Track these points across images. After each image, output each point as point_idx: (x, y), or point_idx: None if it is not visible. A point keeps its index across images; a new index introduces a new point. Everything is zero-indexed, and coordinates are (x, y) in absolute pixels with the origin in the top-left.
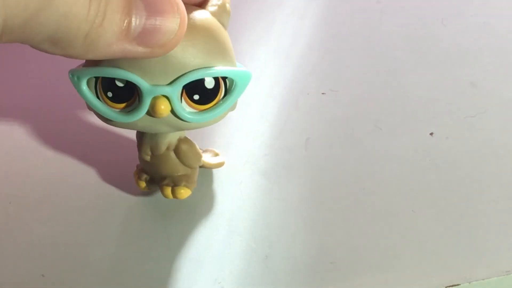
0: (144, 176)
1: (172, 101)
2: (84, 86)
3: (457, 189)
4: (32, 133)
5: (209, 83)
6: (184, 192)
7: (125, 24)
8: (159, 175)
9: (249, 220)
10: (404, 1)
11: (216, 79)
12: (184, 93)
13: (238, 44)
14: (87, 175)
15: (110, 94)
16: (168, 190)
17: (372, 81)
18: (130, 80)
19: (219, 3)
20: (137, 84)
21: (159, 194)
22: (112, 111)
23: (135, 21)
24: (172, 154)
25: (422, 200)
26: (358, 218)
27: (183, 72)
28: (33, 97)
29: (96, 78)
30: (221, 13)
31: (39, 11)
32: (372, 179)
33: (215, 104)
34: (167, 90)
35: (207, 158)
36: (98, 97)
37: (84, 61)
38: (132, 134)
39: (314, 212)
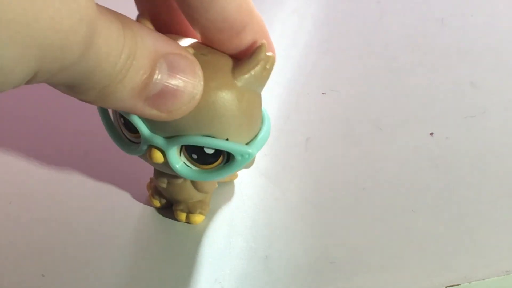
0: (157, 195)
1: (166, 155)
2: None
3: (457, 189)
4: (32, 133)
5: (208, 149)
6: (199, 219)
7: (144, 83)
8: (174, 200)
9: (249, 220)
10: (404, 1)
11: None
12: (183, 149)
13: None
14: (87, 175)
15: (122, 120)
16: (183, 216)
17: (372, 81)
18: (133, 122)
19: (252, 66)
20: (138, 128)
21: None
22: (121, 140)
23: (154, 82)
24: (189, 183)
25: (422, 200)
26: (358, 218)
27: (182, 133)
28: (33, 97)
29: None
30: (254, 79)
31: (72, 65)
32: (372, 179)
33: (214, 167)
34: (162, 143)
35: None
36: (116, 119)
37: None
38: None
39: (314, 212)
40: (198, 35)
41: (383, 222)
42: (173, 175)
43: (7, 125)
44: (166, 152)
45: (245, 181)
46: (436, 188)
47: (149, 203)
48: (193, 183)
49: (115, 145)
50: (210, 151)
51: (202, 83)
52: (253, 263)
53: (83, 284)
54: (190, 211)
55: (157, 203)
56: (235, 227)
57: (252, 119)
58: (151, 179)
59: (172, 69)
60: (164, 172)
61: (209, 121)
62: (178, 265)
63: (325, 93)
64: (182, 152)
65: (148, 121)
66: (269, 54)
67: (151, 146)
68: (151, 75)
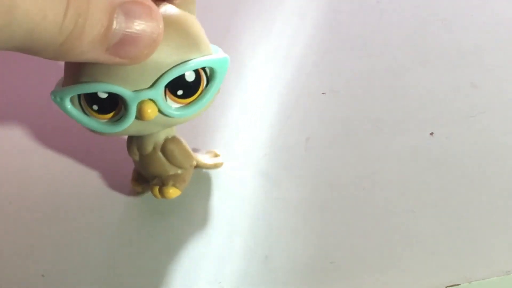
0: (139, 180)
1: (157, 103)
2: (68, 105)
3: (457, 189)
4: (32, 133)
5: (190, 77)
6: (173, 192)
7: (102, 35)
8: (149, 175)
9: (249, 220)
10: (404, 1)
11: (196, 71)
12: (167, 91)
13: (238, 44)
14: (87, 175)
15: (95, 107)
16: (156, 190)
17: (372, 81)
18: (111, 91)
19: None
20: (120, 93)
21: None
22: (100, 123)
23: (113, 32)
24: (160, 154)
25: (422, 200)
26: (358, 218)
27: (162, 72)
28: (33, 97)
29: (79, 94)
30: (186, 2)
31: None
32: (372, 179)
33: (199, 95)
34: (150, 94)
35: (204, 159)
36: (84, 112)
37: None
38: None
39: (314, 212)
40: None
41: (383, 222)
42: (140, 144)
43: (7, 125)
44: (156, 101)
45: (245, 181)
46: (436, 188)
47: (149, 204)
48: (164, 153)
49: (116, 144)
50: (191, 78)
51: (161, 25)
52: (253, 263)
53: (83, 284)
54: (163, 184)
55: (137, 186)
56: (235, 227)
57: (205, 37)
58: (134, 169)
59: (129, 17)
60: (136, 142)
61: (180, 49)
62: (178, 264)
63: (325, 93)
64: (167, 96)
65: (124, 82)
66: None
67: (140, 104)
68: (109, 26)
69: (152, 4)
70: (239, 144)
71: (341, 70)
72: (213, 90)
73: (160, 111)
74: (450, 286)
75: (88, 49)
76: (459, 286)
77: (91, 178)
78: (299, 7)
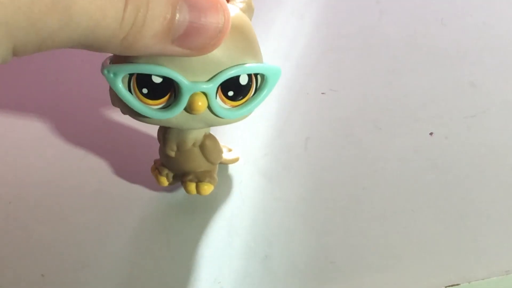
0: (165, 171)
1: (209, 98)
2: (120, 84)
3: (457, 189)
4: (32, 133)
5: (243, 80)
6: (208, 188)
7: (166, 27)
8: (181, 171)
9: (249, 220)
10: (404, 1)
11: (249, 75)
12: (219, 89)
13: None
14: (87, 175)
15: (145, 90)
16: (192, 186)
17: (372, 81)
18: (170, 77)
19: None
20: (178, 81)
21: (159, 195)
22: (147, 108)
23: (177, 23)
24: (197, 150)
25: (422, 200)
26: (358, 218)
27: (221, 69)
28: (33, 96)
29: (131, 74)
30: (248, 10)
31: (56, 32)
32: (372, 179)
33: (247, 100)
34: (206, 87)
35: (224, 154)
36: (131, 93)
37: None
38: (131, 131)
39: (314, 212)
40: None
41: (383, 222)
42: (181, 140)
43: (7, 125)
44: (209, 96)
45: (245, 181)
46: (436, 188)
47: (149, 204)
48: (202, 150)
49: (115, 145)
50: (244, 81)
51: (227, 16)
52: (252, 263)
53: (83, 284)
54: (199, 180)
55: (164, 180)
56: (235, 227)
57: (258, 43)
58: (155, 161)
59: (193, 8)
60: (175, 138)
61: (240, 51)
62: (177, 264)
63: (324, 93)
64: (217, 95)
65: (184, 70)
66: None
67: (193, 96)
68: (172, 18)
69: None
70: (239, 144)
71: (341, 70)
72: (262, 97)
73: (209, 107)
74: (450, 286)
75: (152, 42)
76: (459, 286)
77: (91, 178)
78: (299, 7)
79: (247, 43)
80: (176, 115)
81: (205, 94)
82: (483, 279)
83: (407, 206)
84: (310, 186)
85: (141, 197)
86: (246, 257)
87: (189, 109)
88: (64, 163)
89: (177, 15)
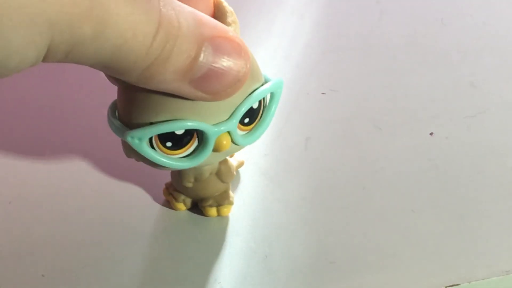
0: (182, 197)
1: (232, 134)
2: (146, 148)
3: (457, 189)
4: (33, 133)
5: (255, 104)
6: (228, 210)
7: (188, 66)
8: (200, 198)
9: (249, 220)
10: (404, 1)
11: None
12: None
13: None
14: (87, 175)
15: (169, 144)
16: (213, 211)
17: (372, 81)
18: (194, 128)
19: (234, 19)
20: (202, 129)
21: (159, 195)
22: (174, 160)
23: (199, 64)
24: (214, 177)
25: (422, 200)
26: (358, 218)
27: (237, 105)
28: (33, 96)
29: None
30: (237, 27)
31: (87, 42)
32: (372, 179)
33: (260, 119)
34: (228, 126)
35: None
36: (154, 150)
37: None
38: None
39: (314, 212)
40: None
41: (383, 222)
42: (199, 172)
43: (7, 125)
44: (231, 132)
45: (245, 181)
46: (436, 188)
47: (148, 204)
48: (218, 174)
49: (115, 145)
50: (256, 105)
51: (248, 65)
52: (253, 263)
53: (83, 284)
54: (219, 204)
55: (182, 206)
56: (235, 227)
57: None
58: (166, 185)
59: (218, 52)
60: (193, 172)
61: (251, 76)
62: (178, 265)
63: (325, 93)
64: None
65: (204, 115)
66: (229, 7)
67: (218, 138)
68: (196, 58)
69: (242, 42)
70: None
71: (341, 70)
72: (272, 111)
73: (233, 141)
74: (450, 286)
75: (171, 78)
76: (459, 286)
77: (91, 178)
78: (299, 7)
79: (252, 70)
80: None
81: (228, 132)
82: (483, 279)
83: (407, 206)
84: (310, 186)
85: (141, 197)
86: (246, 257)
87: (216, 150)
88: (64, 163)
89: (202, 55)
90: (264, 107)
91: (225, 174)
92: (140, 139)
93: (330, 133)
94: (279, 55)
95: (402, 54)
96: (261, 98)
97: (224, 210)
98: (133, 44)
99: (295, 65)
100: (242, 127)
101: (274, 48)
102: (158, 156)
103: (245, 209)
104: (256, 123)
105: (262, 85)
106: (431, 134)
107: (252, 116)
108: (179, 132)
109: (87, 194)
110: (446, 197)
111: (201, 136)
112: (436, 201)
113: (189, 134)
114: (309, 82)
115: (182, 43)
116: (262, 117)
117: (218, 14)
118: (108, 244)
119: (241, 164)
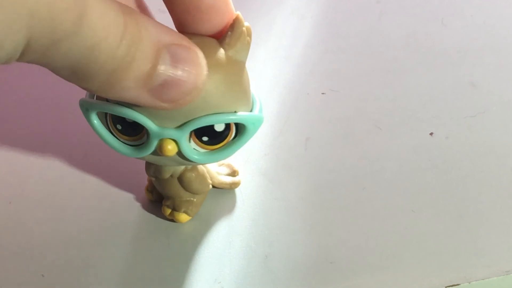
0: (152, 189)
1: (179, 143)
2: (94, 119)
3: (457, 189)
4: (33, 133)
5: (219, 127)
6: (184, 218)
7: (148, 73)
8: (164, 195)
9: (249, 220)
10: (404, 1)
11: (227, 123)
12: (193, 134)
13: None
14: (87, 175)
15: (119, 126)
16: (168, 211)
17: (372, 81)
18: (137, 121)
19: (238, 36)
20: (145, 125)
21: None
22: (119, 143)
23: (158, 72)
24: (175, 181)
25: (422, 200)
26: (358, 218)
27: (192, 118)
28: (33, 96)
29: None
30: (241, 49)
31: (66, 38)
32: (372, 179)
33: (225, 145)
34: (174, 134)
35: (221, 177)
36: (108, 126)
37: None
38: None
39: (314, 212)
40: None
41: (383, 222)
42: (158, 170)
43: (7, 125)
44: (179, 142)
45: (245, 181)
46: (436, 188)
47: (149, 204)
48: (180, 181)
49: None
50: (220, 128)
51: (205, 72)
52: (253, 263)
53: (83, 284)
54: (174, 209)
55: (150, 196)
56: (235, 227)
57: (248, 87)
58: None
59: (175, 60)
60: (154, 166)
61: (217, 98)
62: (178, 265)
63: (325, 93)
64: (191, 139)
65: (153, 115)
66: (246, 24)
67: (162, 140)
68: (154, 65)
69: (198, 50)
70: None
71: (341, 70)
72: (240, 144)
73: (180, 151)
74: (450, 286)
75: (131, 85)
76: (459, 286)
77: (91, 178)
78: (299, 7)
79: (226, 88)
80: (148, 155)
81: (175, 140)
82: (483, 279)
83: (407, 206)
84: (310, 186)
85: (141, 197)
86: (246, 257)
87: (158, 151)
88: (64, 163)
89: (160, 62)
90: (236, 134)
91: (187, 183)
92: (88, 110)
93: (330, 133)
94: (279, 55)
95: (402, 54)
96: (220, 122)
97: (178, 216)
98: (104, 46)
99: (295, 65)
100: (199, 143)
101: (274, 48)
102: (103, 130)
103: (245, 209)
104: (221, 146)
105: (237, 112)
106: (431, 134)
107: (214, 138)
108: (129, 120)
109: (87, 194)
110: (446, 197)
111: (148, 133)
112: (436, 201)
113: (139, 125)
114: (309, 82)
115: (144, 47)
116: (230, 142)
117: (229, 29)
118: (108, 244)
119: (236, 184)
